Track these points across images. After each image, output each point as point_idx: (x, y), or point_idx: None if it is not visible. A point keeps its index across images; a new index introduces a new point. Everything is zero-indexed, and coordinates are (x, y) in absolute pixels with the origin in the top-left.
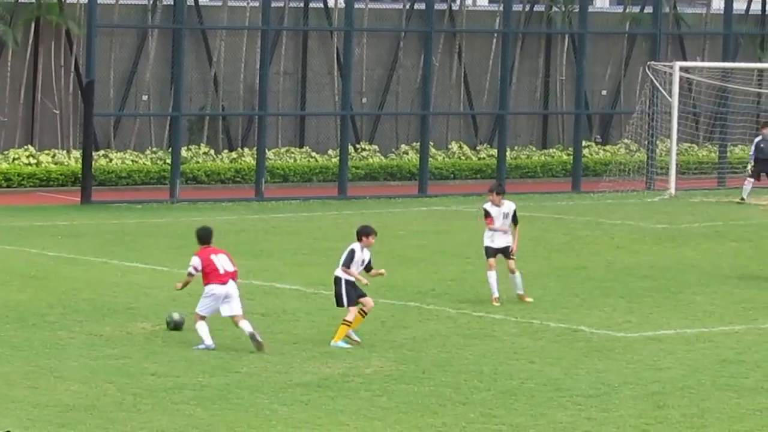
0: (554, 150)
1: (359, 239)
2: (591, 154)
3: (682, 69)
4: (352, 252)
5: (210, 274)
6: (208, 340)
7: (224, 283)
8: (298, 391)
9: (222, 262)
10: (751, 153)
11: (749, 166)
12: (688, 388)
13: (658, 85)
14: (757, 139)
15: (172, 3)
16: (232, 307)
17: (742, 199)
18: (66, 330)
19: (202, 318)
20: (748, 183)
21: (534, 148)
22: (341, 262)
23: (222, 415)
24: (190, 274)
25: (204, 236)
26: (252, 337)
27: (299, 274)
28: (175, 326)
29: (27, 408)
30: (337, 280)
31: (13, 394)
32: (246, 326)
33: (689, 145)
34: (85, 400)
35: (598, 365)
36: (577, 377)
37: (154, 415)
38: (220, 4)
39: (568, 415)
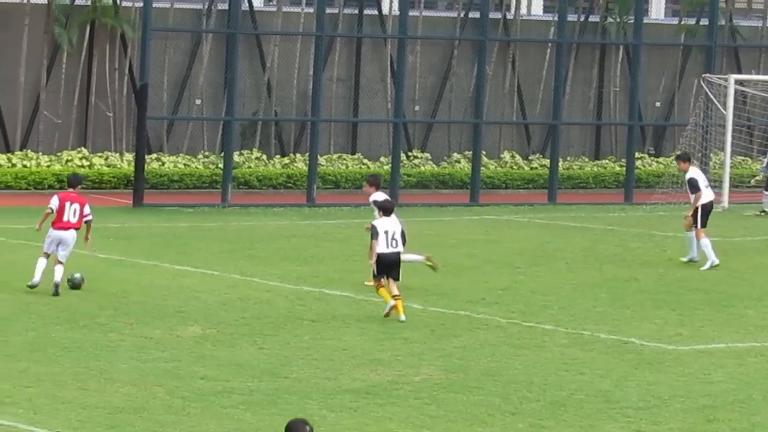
0: (607, 161)
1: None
2: (644, 166)
3: (737, 82)
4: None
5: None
6: (37, 277)
7: (65, 229)
8: (347, 397)
9: (70, 212)
10: (764, 166)
11: (756, 179)
12: (739, 402)
13: (712, 97)
14: None
15: (226, 7)
16: (59, 253)
17: (764, 212)
18: (116, 332)
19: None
20: (766, 196)
21: (586, 159)
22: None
23: (270, 420)
24: (47, 213)
25: (71, 180)
26: (55, 285)
27: (349, 280)
28: (73, 285)
29: (76, 409)
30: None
31: (63, 396)
32: (57, 273)
33: (743, 158)
34: (134, 402)
35: (649, 377)
36: (627, 389)
37: (203, 419)
38: (274, 9)
39: (618, 428)
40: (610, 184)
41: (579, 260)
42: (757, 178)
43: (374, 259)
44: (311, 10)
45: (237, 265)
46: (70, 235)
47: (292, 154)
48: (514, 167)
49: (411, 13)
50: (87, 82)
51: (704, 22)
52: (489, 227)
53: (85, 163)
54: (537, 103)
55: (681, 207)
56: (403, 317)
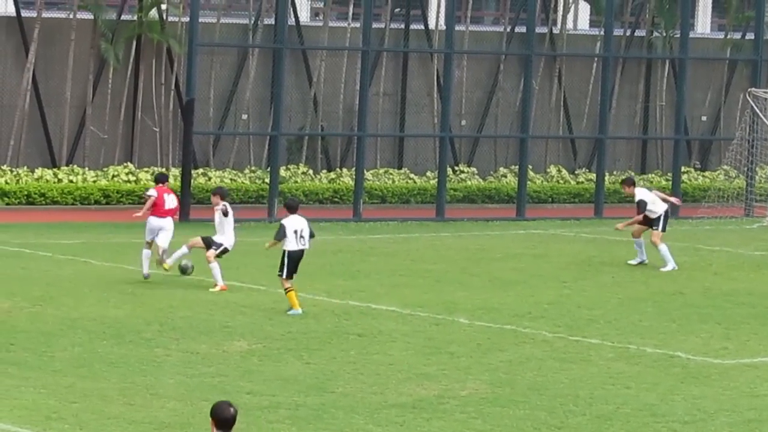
0: (653, 175)
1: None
2: (690, 180)
3: None
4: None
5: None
6: (146, 269)
7: (163, 217)
8: (393, 412)
9: (168, 201)
10: None
11: None
12: None
13: (758, 111)
14: None
15: (273, 23)
16: (160, 238)
17: None
18: (162, 347)
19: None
20: None
21: (633, 173)
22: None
23: None
24: (150, 199)
25: (160, 178)
26: (162, 251)
27: (396, 295)
28: (183, 271)
29: (123, 424)
30: None
31: (109, 411)
32: (161, 246)
33: None
34: (180, 417)
35: (694, 391)
36: (672, 403)
37: None
38: (321, 24)
39: None
40: None
41: (625, 274)
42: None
43: (269, 245)
44: (358, 24)
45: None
46: (168, 222)
47: (338, 169)
48: (561, 181)
49: (457, 28)
50: (133, 97)
51: (750, 36)
52: (535, 241)
53: (131, 178)
54: (583, 118)
55: (727, 221)
56: (296, 311)
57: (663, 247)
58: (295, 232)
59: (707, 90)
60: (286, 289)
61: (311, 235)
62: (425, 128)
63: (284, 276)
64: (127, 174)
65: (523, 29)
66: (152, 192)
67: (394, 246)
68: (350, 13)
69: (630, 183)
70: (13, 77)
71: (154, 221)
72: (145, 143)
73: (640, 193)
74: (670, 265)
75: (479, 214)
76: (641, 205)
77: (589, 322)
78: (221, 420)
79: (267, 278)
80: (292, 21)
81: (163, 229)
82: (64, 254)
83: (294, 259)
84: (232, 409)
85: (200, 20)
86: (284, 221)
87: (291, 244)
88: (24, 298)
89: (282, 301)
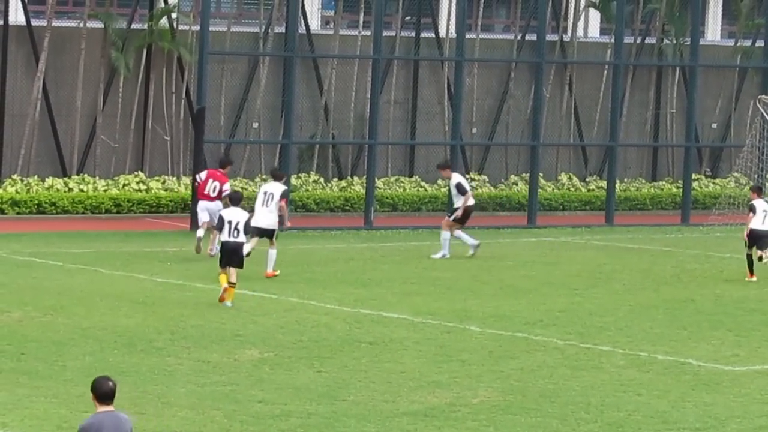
0: (664, 182)
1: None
2: (701, 187)
3: None
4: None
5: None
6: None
7: (209, 200)
8: (405, 420)
9: (210, 188)
10: None
11: None
12: None
13: None
14: None
15: (283, 31)
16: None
17: None
18: (174, 356)
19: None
20: None
21: (643, 181)
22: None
23: None
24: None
25: (222, 161)
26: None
27: (407, 303)
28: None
29: None
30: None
31: None
32: (214, 240)
33: None
34: (192, 426)
35: (706, 398)
36: (684, 410)
37: None
38: (331, 32)
39: None
40: (667, 206)
41: (636, 281)
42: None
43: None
44: (368, 32)
45: (295, 288)
46: (215, 205)
47: (349, 177)
48: (572, 189)
49: (468, 36)
50: (144, 106)
51: (760, 43)
52: (546, 249)
53: (142, 187)
54: (594, 125)
55: (738, 228)
56: (229, 304)
57: (446, 235)
58: (229, 223)
59: (718, 97)
60: (220, 273)
61: (246, 231)
62: (436, 136)
63: (220, 266)
64: (137, 183)
65: (534, 37)
66: (201, 175)
67: (405, 254)
68: (361, 21)
69: (444, 167)
70: (24, 86)
71: (201, 203)
72: (156, 152)
73: (458, 177)
74: (441, 254)
75: (490, 222)
76: (461, 188)
77: (600, 330)
78: (101, 394)
79: (277, 287)
80: (302, 29)
81: (210, 210)
82: (75, 263)
83: (227, 250)
84: (110, 383)
85: (211, 29)
86: (222, 212)
87: (224, 236)
88: (35, 307)
89: (292, 310)
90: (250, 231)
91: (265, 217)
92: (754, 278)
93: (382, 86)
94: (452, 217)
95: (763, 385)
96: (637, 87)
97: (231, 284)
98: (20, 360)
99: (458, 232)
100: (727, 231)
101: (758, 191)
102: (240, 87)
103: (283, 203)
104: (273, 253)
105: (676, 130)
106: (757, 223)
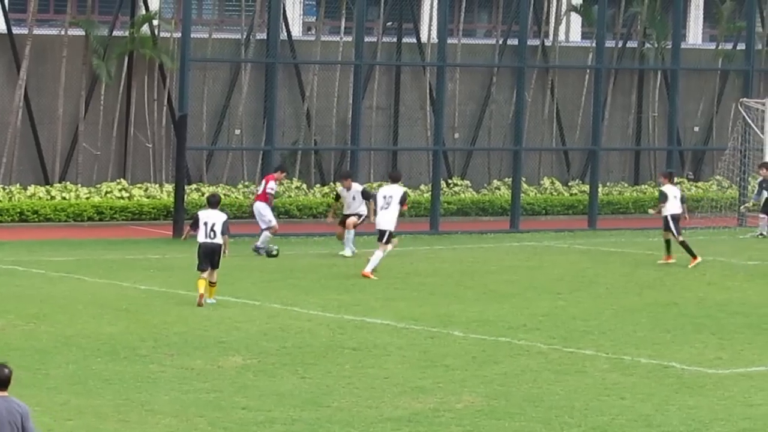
0: (646, 186)
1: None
2: (683, 191)
3: None
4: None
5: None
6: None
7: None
8: (389, 425)
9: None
10: (756, 193)
11: (748, 204)
12: None
13: (750, 121)
14: (759, 179)
15: (265, 37)
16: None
17: (762, 234)
18: (157, 363)
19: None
20: (762, 219)
21: (626, 184)
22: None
23: None
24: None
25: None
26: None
27: (390, 308)
28: (269, 254)
29: None
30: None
31: (105, 428)
32: (261, 238)
33: None
34: None
35: (689, 401)
36: (668, 413)
37: None
38: (313, 38)
39: None
40: (649, 209)
41: (619, 285)
42: (746, 205)
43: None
44: (350, 38)
45: (278, 294)
46: (259, 204)
47: (332, 183)
48: (554, 193)
49: (450, 41)
50: (126, 114)
51: (741, 46)
52: (529, 253)
53: (125, 194)
54: (576, 129)
55: (720, 231)
56: (212, 300)
57: (351, 235)
58: (205, 224)
59: (699, 100)
60: (199, 277)
61: (223, 232)
62: (418, 141)
63: (197, 268)
64: (120, 190)
65: (516, 42)
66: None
67: (388, 259)
68: (342, 27)
69: (346, 176)
70: (5, 94)
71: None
72: (138, 159)
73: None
74: (348, 251)
75: (473, 226)
76: (368, 194)
77: (583, 334)
78: None
79: (261, 293)
80: (284, 35)
81: (256, 209)
82: (57, 271)
83: (203, 252)
84: (6, 370)
85: (192, 36)
86: (199, 213)
87: (201, 236)
88: (18, 315)
89: (276, 317)
90: (228, 232)
91: (384, 218)
92: (672, 260)
93: (364, 92)
94: (361, 220)
95: (746, 387)
96: (619, 91)
97: (211, 284)
98: None
99: (349, 236)
100: (709, 234)
101: (669, 176)
102: (222, 94)
103: (404, 207)
104: (379, 254)
105: (658, 133)
106: (674, 208)
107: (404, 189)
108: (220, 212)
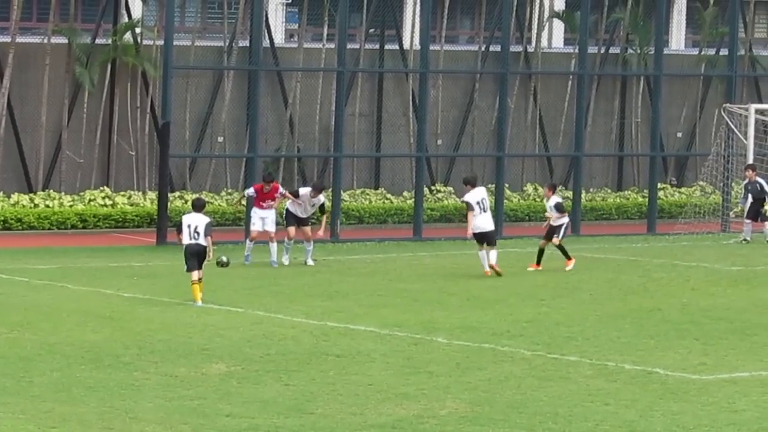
0: (629, 192)
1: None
2: (666, 197)
3: (757, 111)
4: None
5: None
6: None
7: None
8: None
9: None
10: (742, 197)
11: (736, 209)
12: (763, 430)
13: (733, 127)
14: (744, 182)
15: (248, 45)
16: (267, 228)
17: (745, 240)
18: (141, 371)
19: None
20: (747, 224)
21: (609, 190)
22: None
23: None
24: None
25: (266, 177)
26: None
27: (374, 315)
28: (222, 265)
29: None
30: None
31: None
32: (272, 251)
33: None
34: None
35: (673, 407)
36: (652, 419)
37: None
38: (296, 45)
39: None
40: (632, 215)
41: (603, 291)
42: (735, 210)
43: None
44: (332, 45)
45: (261, 301)
46: (270, 211)
47: None
48: (537, 199)
49: (432, 48)
50: (109, 121)
51: (724, 52)
52: (513, 260)
53: (108, 202)
54: (559, 135)
55: (703, 237)
56: (199, 303)
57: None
58: (188, 226)
59: (682, 106)
60: (192, 282)
61: (206, 234)
62: (401, 148)
63: (185, 269)
64: (103, 198)
65: (498, 48)
66: (250, 191)
67: (371, 266)
68: (325, 34)
69: (269, 180)
70: None
71: (256, 211)
72: (121, 167)
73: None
74: (286, 260)
75: (456, 233)
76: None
77: (567, 340)
78: None
79: (245, 300)
80: (266, 43)
81: (264, 217)
82: (41, 279)
83: (190, 252)
84: None
85: (175, 43)
86: (184, 216)
87: (185, 239)
88: (1, 323)
89: (260, 324)
90: (211, 233)
91: (487, 222)
92: (540, 267)
93: (346, 99)
94: (320, 231)
95: (730, 393)
96: (602, 97)
97: (196, 282)
98: None
99: (309, 248)
100: (693, 240)
101: (553, 188)
102: (205, 101)
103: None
104: (494, 253)
105: (641, 139)
106: (561, 219)
107: (484, 188)
108: (204, 215)
